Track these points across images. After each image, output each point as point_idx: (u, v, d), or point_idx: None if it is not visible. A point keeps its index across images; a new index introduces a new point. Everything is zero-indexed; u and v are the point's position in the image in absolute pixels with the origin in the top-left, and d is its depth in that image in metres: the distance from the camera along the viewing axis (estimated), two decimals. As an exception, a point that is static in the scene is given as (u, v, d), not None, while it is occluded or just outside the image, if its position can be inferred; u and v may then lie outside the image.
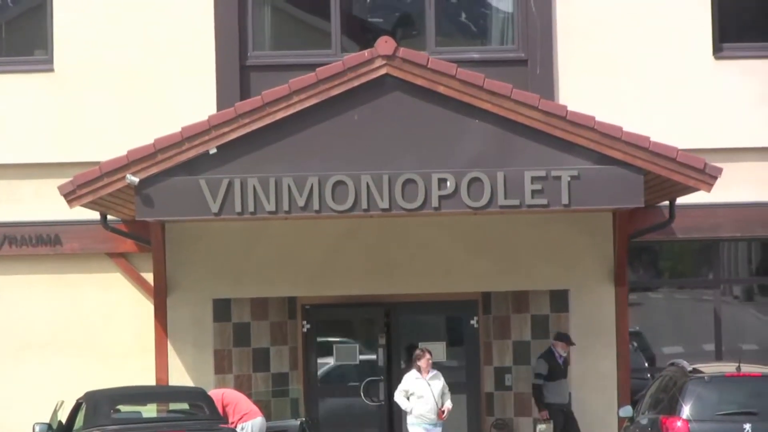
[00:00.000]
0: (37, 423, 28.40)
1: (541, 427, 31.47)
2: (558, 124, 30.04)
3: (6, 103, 33.93)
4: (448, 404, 30.78)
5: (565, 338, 32.49)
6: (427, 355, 30.01)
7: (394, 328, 34.16)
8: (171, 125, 30.82)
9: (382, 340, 34.01)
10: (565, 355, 32.21)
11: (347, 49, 33.21)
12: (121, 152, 30.13)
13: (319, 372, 34.25)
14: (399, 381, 32.98)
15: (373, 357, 34.15)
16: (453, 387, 33.12)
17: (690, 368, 28.78)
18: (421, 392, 29.38)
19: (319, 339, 34.16)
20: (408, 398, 30.09)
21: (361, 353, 34.25)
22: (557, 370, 31.74)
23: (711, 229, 33.61)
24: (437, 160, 29.96)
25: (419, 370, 29.36)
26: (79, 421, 27.92)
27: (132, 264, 33.67)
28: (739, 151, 33.21)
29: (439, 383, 29.84)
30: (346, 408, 33.89)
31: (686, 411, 27.08)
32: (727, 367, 28.28)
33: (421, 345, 31.71)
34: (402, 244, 32.89)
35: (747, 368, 28.09)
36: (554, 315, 33.61)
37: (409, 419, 29.97)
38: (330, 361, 34.36)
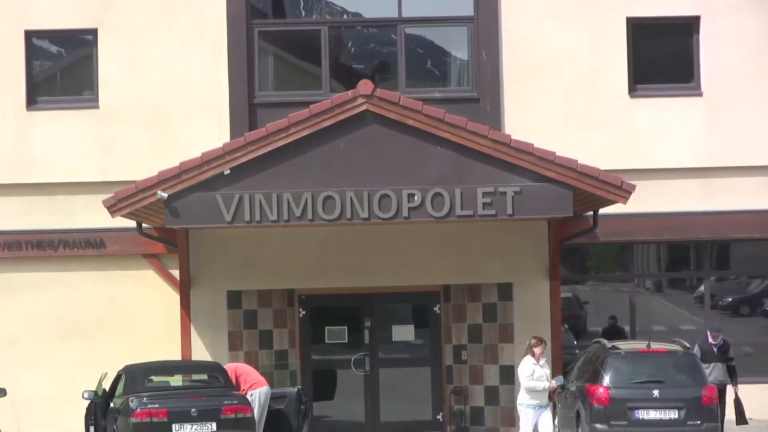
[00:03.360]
0: (86, 390, 28.77)
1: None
2: (503, 150, 30.44)
3: (61, 133, 34.05)
4: (556, 381, 29.12)
5: (714, 330, 30.82)
6: (543, 345, 28.03)
7: (372, 315, 34.06)
8: (193, 151, 31.16)
9: (368, 323, 34.01)
10: (716, 343, 30.26)
11: (335, 90, 33.26)
12: (153, 173, 30.51)
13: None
14: (381, 356, 33.91)
15: (355, 337, 34.04)
16: (419, 362, 34.13)
17: (610, 345, 29.34)
18: (537, 377, 27.39)
19: (316, 325, 34.10)
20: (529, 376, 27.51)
21: (348, 335, 34.09)
22: (710, 354, 30.04)
23: (627, 234, 33.82)
24: (407, 179, 30.22)
25: (534, 356, 27.46)
26: (120, 389, 28.25)
27: (162, 263, 33.85)
28: (650, 171, 33.32)
29: (548, 370, 28.01)
30: (339, 377, 33.97)
31: (607, 380, 27.77)
32: (640, 345, 29.07)
33: (535, 335, 29.57)
34: (379, 246, 32.83)
35: (655, 345, 28.98)
36: (501, 303, 33.50)
37: (523, 399, 27.49)
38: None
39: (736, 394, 29.30)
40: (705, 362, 29.24)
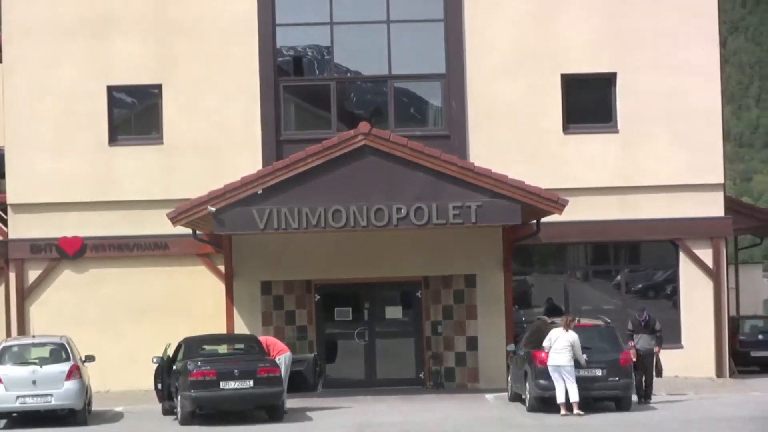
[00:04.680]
0: (154, 356, 28.71)
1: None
2: (468, 174, 30.74)
3: (134, 163, 34.03)
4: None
5: (639, 310, 30.41)
6: (569, 318, 27.69)
7: (370, 299, 33.96)
8: (234, 176, 31.35)
9: (367, 305, 33.85)
10: (642, 319, 29.41)
11: (341, 129, 33.12)
12: (204, 193, 30.76)
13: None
14: (376, 329, 33.81)
15: (357, 316, 33.88)
16: (406, 334, 34.03)
17: (549, 321, 29.15)
18: (561, 344, 26.81)
19: (327, 307, 33.90)
20: (549, 346, 26.90)
21: (353, 315, 33.90)
22: (638, 327, 29.31)
23: (562, 237, 33.69)
24: (396, 197, 30.43)
25: (565, 326, 27.05)
26: (180, 355, 28.16)
27: (211, 260, 33.84)
28: (578, 189, 33.02)
29: (573, 336, 26.95)
30: (345, 346, 33.95)
31: (537, 345, 27.57)
32: (561, 320, 27.99)
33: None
34: (375, 247, 32.64)
35: (584, 321, 28.70)
36: (467, 290, 33.32)
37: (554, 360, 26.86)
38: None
39: (657, 355, 29.19)
40: (636, 334, 29.14)
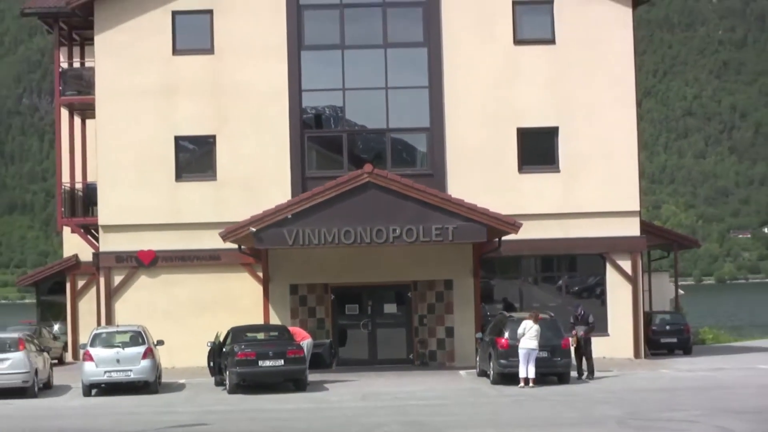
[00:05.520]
0: (208, 341, 28.81)
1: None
2: (447, 204, 30.91)
3: (194, 194, 33.98)
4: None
5: (575, 307, 30.45)
6: (535, 313, 27.41)
7: (372, 298, 33.68)
8: (269, 204, 31.35)
9: (370, 303, 33.58)
10: (578, 314, 29.35)
11: (350, 169, 32.91)
12: (247, 217, 30.82)
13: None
14: (377, 321, 33.53)
15: (363, 311, 33.62)
16: (399, 325, 33.71)
17: (508, 315, 29.28)
18: (531, 334, 26.56)
19: (340, 304, 33.70)
20: (521, 335, 26.62)
21: (359, 310, 33.63)
22: (576, 320, 29.17)
23: (517, 251, 33.36)
24: (392, 220, 30.46)
25: (534, 320, 26.77)
26: (229, 341, 28.14)
27: (252, 269, 33.46)
28: (530, 215, 32.56)
29: (538, 327, 26.68)
30: (352, 334, 33.71)
31: (506, 334, 27.49)
32: (524, 314, 28.25)
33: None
34: (376, 258, 32.45)
35: (541, 315, 28.06)
36: (446, 291, 33.06)
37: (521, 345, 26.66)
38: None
39: (590, 341, 28.95)
40: (576, 325, 28.95)
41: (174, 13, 34.27)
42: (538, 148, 34.45)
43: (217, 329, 29.44)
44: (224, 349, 27.88)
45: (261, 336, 28.50)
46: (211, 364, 28.76)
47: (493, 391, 26.18)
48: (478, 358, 30.03)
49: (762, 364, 31.65)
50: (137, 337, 28.02)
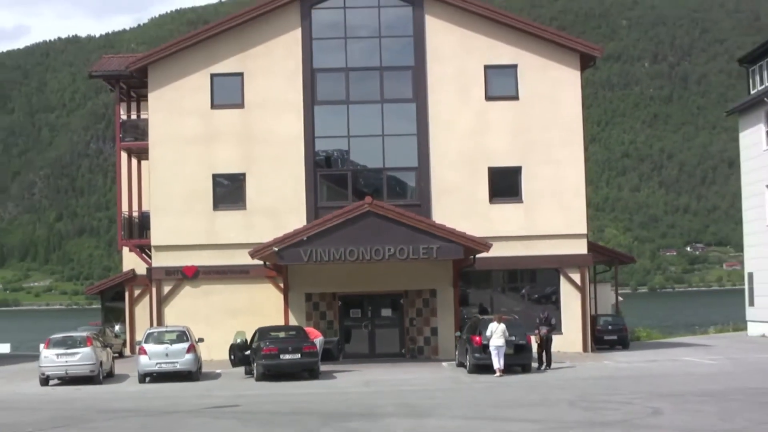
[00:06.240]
0: (236, 335, 28.89)
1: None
2: (431, 228, 30.80)
3: (228, 221, 33.76)
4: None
5: (541, 311, 30.13)
6: (500, 315, 27.59)
7: (371, 303, 33.44)
8: (288, 229, 31.28)
9: (369, 308, 33.33)
10: (543, 316, 29.08)
11: (354, 200, 32.81)
12: (270, 239, 30.64)
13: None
14: (379, 323, 33.28)
15: (364, 315, 33.35)
16: (393, 325, 33.30)
17: (482, 317, 29.08)
18: (498, 333, 26.51)
19: (346, 308, 33.39)
20: (490, 334, 26.55)
21: (361, 314, 33.44)
22: (541, 321, 28.86)
23: (488, 266, 33.08)
24: (386, 241, 30.26)
25: (498, 320, 26.82)
26: (256, 338, 27.99)
27: (275, 281, 33.29)
28: (499, 237, 32.48)
29: (503, 326, 26.61)
30: (356, 333, 33.36)
31: (480, 333, 27.28)
32: (495, 317, 27.84)
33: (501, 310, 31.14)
34: (374, 272, 32.03)
35: (505, 317, 28.14)
36: (431, 299, 32.94)
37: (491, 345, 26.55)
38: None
39: (551, 339, 28.84)
40: (540, 326, 28.64)
41: (212, 76, 34.32)
42: (504, 184, 34.27)
43: (246, 330, 29.28)
44: (254, 346, 27.64)
45: (282, 335, 28.28)
46: (232, 357, 28.58)
47: (469, 379, 26.06)
48: (457, 353, 29.90)
49: (686, 357, 31.54)
50: (182, 336, 27.90)
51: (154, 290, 34.32)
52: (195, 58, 34.26)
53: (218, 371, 29.62)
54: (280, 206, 33.76)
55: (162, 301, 34.09)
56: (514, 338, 26.98)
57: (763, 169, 41.68)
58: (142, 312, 38.40)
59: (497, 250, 31.91)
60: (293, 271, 32.61)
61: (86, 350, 27.00)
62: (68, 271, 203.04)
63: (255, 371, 27.06)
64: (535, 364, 28.03)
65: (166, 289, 34.15)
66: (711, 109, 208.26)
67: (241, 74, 34.32)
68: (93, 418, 19.08)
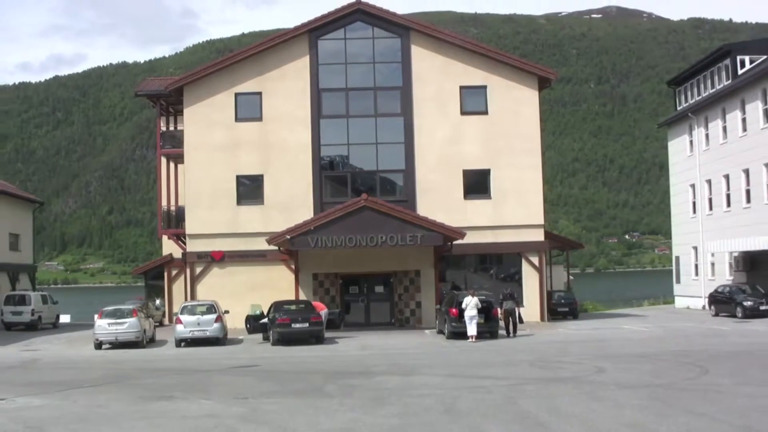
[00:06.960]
0: (252, 307, 28.67)
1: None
2: (416, 220, 30.60)
3: (249, 214, 33.48)
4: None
5: (506, 288, 29.51)
6: (473, 291, 26.94)
7: (367, 282, 33.33)
8: (298, 220, 31.28)
9: (365, 285, 33.23)
10: (508, 292, 28.24)
11: (353, 196, 32.64)
12: (284, 229, 30.46)
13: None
14: (373, 297, 33.07)
15: (361, 291, 33.38)
16: (385, 300, 33.16)
17: (457, 292, 28.87)
18: (471, 305, 26.08)
19: (346, 286, 33.25)
20: (465, 306, 26.09)
21: (359, 290, 33.41)
22: (505, 296, 27.96)
23: (463, 251, 33.03)
24: (380, 231, 30.15)
25: (472, 295, 26.36)
26: (271, 312, 27.83)
27: (288, 263, 33.20)
28: (472, 227, 32.67)
29: (476, 299, 26.08)
30: (354, 306, 33.27)
31: (455, 305, 26.88)
32: (469, 292, 27.56)
33: (473, 287, 29.86)
34: (369, 256, 32.06)
35: (477, 293, 27.48)
36: (415, 278, 32.90)
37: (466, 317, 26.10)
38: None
39: (518, 311, 28.45)
40: (504, 300, 27.97)
41: (236, 94, 34.15)
42: (476, 183, 34.16)
43: (263, 304, 29.18)
44: (270, 317, 27.45)
45: (293, 307, 27.95)
46: (248, 325, 28.52)
47: (447, 343, 25.88)
48: (437, 322, 29.80)
49: (625, 326, 31.51)
50: (211, 308, 27.64)
51: (188, 271, 34.16)
52: (222, 80, 34.11)
53: (241, 338, 29.40)
54: (291, 202, 33.60)
55: (194, 279, 33.85)
56: (486, 304, 26.65)
57: (688, 171, 42.18)
58: (178, 288, 38.19)
59: (470, 238, 31.92)
60: (302, 255, 32.53)
61: (132, 320, 26.84)
62: (118, 255, 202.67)
63: (271, 337, 26.80)
64: (502, 332, 27.94)
65: (198, 270, 33.93)
66: (645, 123, 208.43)
67: (260, 93, 34.16)
68: (138, 375, 19.00)
